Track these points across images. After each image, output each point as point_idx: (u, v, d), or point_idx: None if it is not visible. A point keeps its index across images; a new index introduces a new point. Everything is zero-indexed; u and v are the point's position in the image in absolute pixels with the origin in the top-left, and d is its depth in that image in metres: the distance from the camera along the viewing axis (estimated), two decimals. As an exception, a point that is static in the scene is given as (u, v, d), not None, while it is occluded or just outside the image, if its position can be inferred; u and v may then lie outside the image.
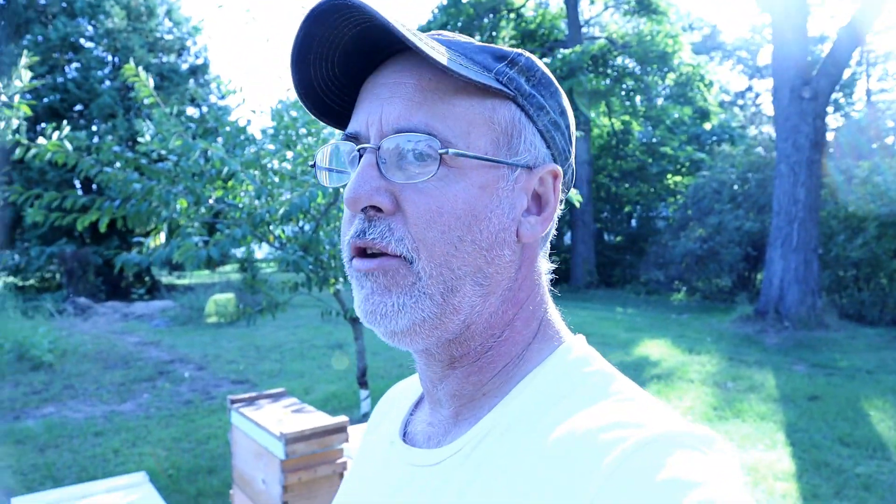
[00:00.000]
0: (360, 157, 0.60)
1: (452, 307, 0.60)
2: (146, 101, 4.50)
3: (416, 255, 0.58)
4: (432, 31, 0.65)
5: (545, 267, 0.69)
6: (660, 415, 0.55)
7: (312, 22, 0.59)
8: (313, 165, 0.68)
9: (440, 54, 0.57)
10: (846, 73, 23.96)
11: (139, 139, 4.81)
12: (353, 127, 0.63)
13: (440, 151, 0.57)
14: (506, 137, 0.62)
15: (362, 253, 0.61)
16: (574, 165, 0.71)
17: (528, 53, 0.65)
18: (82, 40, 17.98)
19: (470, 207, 0.59)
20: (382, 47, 0.62)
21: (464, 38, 0.65)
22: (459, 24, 19.50)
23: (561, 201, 0.67)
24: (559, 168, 0.66)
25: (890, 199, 11.13)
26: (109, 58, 18.55)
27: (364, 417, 5.16)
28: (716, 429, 5.41)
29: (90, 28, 18.21)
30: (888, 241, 11.28)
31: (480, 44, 0.64)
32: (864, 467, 4.61)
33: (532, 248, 0.66)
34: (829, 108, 18.25)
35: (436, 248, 0.58)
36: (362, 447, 0.82)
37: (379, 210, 0.59)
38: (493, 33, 19.48)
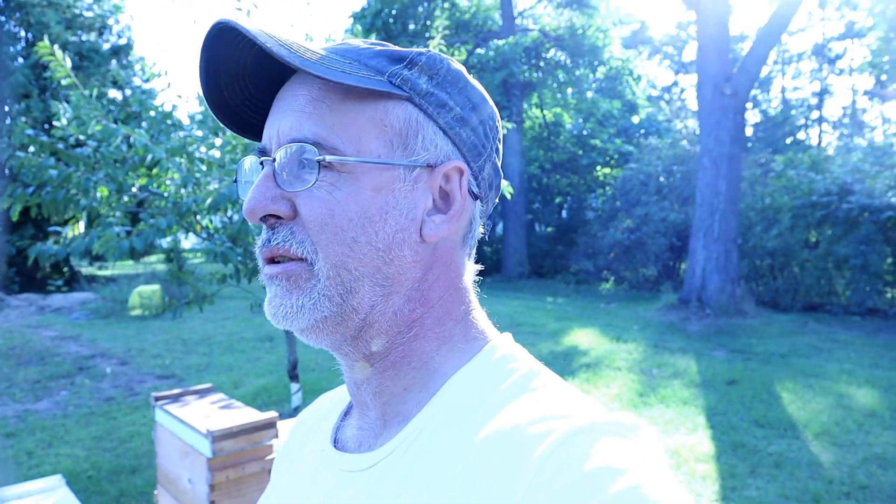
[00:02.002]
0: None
1: (352, 307, 0.61)
2: (63, 82, 4.27)
3: (315, 256, 0.60)
4: (344, 39, 0.67)
5: (469, 268, 0.69)
6: (585, 406, 0.56)
7: (210, 46, 0.61)
8: (235, 181, 0.69)
9: (322, 65, 0.59)
10: (763, 71, 25.11)
11: (55, 122, 4.55)
12: (262, 142, 0.65)
13: (317, 158, 0.59)
14: (400, 138, 0.62)
15: (271, 261, 0.63)
16: (498, 158, 0.71)
17: (434, 51, 0.66)
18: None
19: (362, 210, 0.60)
20: (272, 67, 0.65)
21: (364, 44, 0.65)
22: (394, 11, 19.35)
23: (480, 197, 0.68)
24: (463, 164, 0.65)
25: (801, 192, 11.76)
26: (22, 33, 17.48)
27: (295, 411, 5.09)
28: (641, 414, 5.62)
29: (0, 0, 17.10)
30: (800, 231, 11.93)
31: (380, 48, 0.65)
32: (776, 446, 4.88)
33: (446, 249, 0.66)
34: (748, 105, 19.10)
35: (330, 249, 0.60)
36: (287, 457, 0.81)
37: (279, 218, 0.61)
38: (428, 22, 19.41)
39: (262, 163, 0.63)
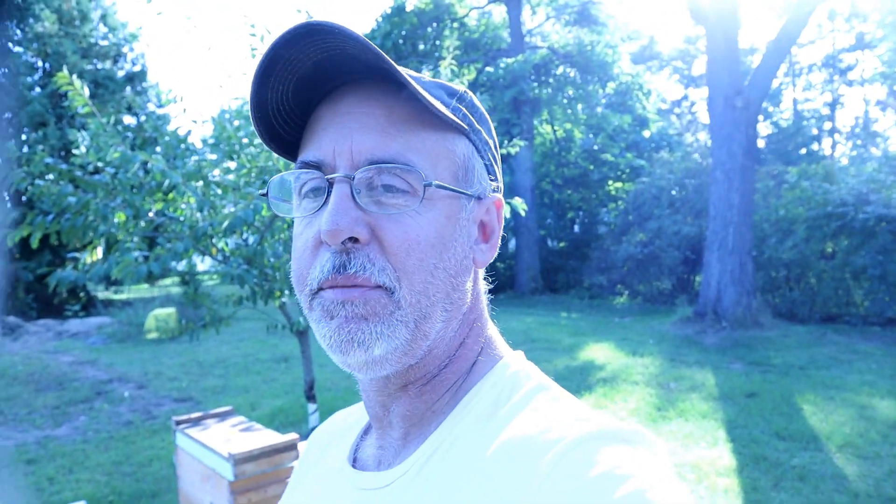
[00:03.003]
0: (329, 186, 0.60)
1: (423, 333, 0.61)
2: (81, 111, 4.35)
3: (398, 284, 0.59)
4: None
5: (483, 287, 0.73)
6: (592, 416, 0.58)
7: (283, 45, 0.58)
8: (265, 194, 0.67)
9: (417, 87, 0.58)
10: (774, 84, 25.05)
11: (74, 150, 4.63)
12: (314, 155, 0.62)
13: (425, 184, 0.59)
14: (463, 170, 0.65)
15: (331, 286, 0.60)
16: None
17: (469, 91, 0.69)
18: (10, 44, 17.21)
19: (439, 236, 0.61)
20: (336, 76, 0.62)
21: (413, 73, 0.66)
22: (403, 32, 19.53)
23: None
24: (502, 199, 0.71)
25: (816, 203, 11.67)
26: (39, 63, 17.82)
27: (312, 432, 5.08)
28: (660, 429, 5.56)
29: (18, 32, 17.46)
30: (815, 242, 11.82)
31: (432, 79, 0.67)
32: (798, 459, 4.81)
33: (479, 275, 0.71)
34: (760, 117, 19.05)
35: (415, 276, 0.59)
36: (300, 476, 0.81)
37: (356, 241, 0.59)
38: (437, 42, 19.59)
39: (329, 181, 0.60)
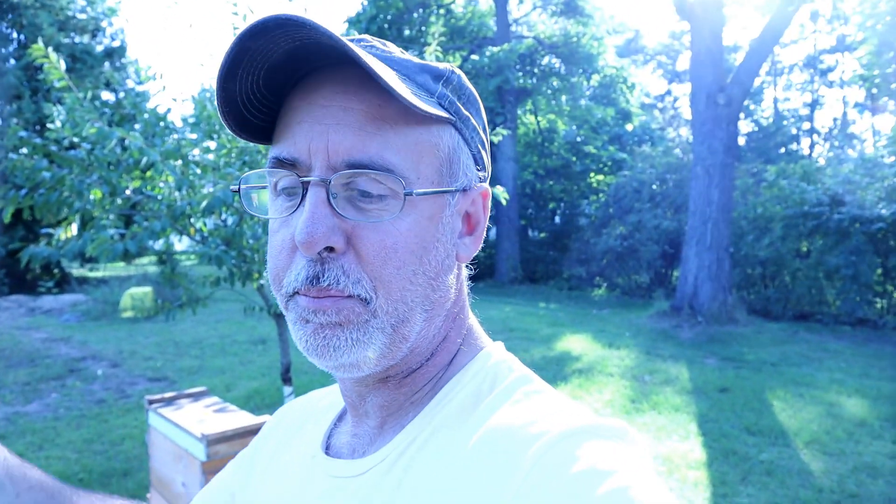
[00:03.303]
0: (304, 189, 0.57)
1: (402, 336, 0.59)
2: (57, 84, 4.26)
3: (374, 294, 0.57)
4: (363, 36, 0.63)
5: (466, 274, 0.71)
6: (575, 411, 0.57)
7: (249, 37, 0.54)
8: (237, 191, 0.64)
9: (393, 79, 0.55)
10: (756, 82, 25.27)
11: (49, 125, 4.54)
12: (288, 152, 0.58)
13: (405, 193, 0.56)
14: (447, 164, 0.61)
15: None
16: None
17: (456, 69, 0.65)
18: (-17, 15, 16.81)
19: (420, 240, 0.58)
20: (310, 62, 0.59)
21: (398, 52, 0.63)
22: (389, 16, 19.38)
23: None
24: (489, 188, 0.67)
25: (793, 202, 11.84)
26: (15, 35, 17.41)
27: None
28: (634, 421, 5.63)
29: (-7, 2, 17.05)
30: (791, 241, 12.01)
31: (418, 61, 0.63)
32: (767, 454, 4.90)
33: (461, 267, 0.68)
34: (741, 115, 19.24)
35: (393, 284, 0.57)
36: (266, 455, 0.79)
37: (332, 250, 0.56)
38: (423, 28, 19.47)
39: (304, 182, 0.57)
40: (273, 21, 0.52)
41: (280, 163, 0.59)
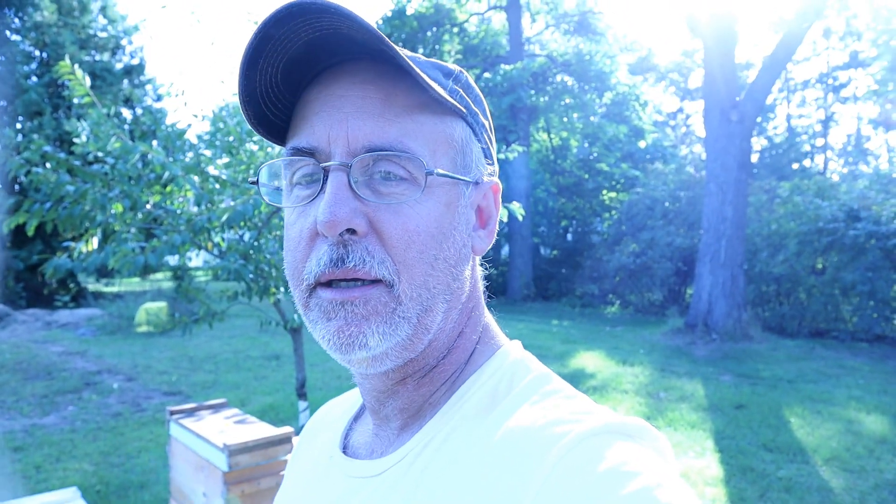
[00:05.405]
0: (325, 174, 0.57)
1: (425, 327, 0.59)
2: (81, 101, 4.35)
3: (398, 277, 0.56)
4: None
5: (480, 272, 0.71)
6: (598, 410, 0.57)
7: (273, 24, 0.54)
8: (255, 182, 0.64)
9: (420, 72, 0.56)
10: (769, 99, 25.25)
11: (74, 140, 4.63)
12: (307, 141, 0.59)
13: (426, 171, 0.57)
14: (461, 155, 0.63)
15: (328, 283, 0.58)
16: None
17: (464, 71, 0.66)
18: (8, 33, 17.14)
19: (439, 226, 0.59)
20: (327, 56, 0.59)
21: (408, 52, 0.64)
22: (403, 35, 19.59)
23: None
24: (499, 183, 0.68)
25: (808, 219, 11.77)
26: (37, 53, 17.75)
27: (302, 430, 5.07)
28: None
29: (17, 20, 17.39)
30: (806, 257, 11.91)
31: (428, 59, 0.64)
32: (785, 471, 4.85)
33: (476, 262, 0.69)
34: (754, 132, 19.20)
35: (416, 268, 0.57)
36: (295, 466, 0.80)
37: (353, 232, 0.56)
38: (437, 46, 19.66)
39: (324, 169, 0.57)
40: (297, 6, 0.53)
41: (298, 151, 0.59)
